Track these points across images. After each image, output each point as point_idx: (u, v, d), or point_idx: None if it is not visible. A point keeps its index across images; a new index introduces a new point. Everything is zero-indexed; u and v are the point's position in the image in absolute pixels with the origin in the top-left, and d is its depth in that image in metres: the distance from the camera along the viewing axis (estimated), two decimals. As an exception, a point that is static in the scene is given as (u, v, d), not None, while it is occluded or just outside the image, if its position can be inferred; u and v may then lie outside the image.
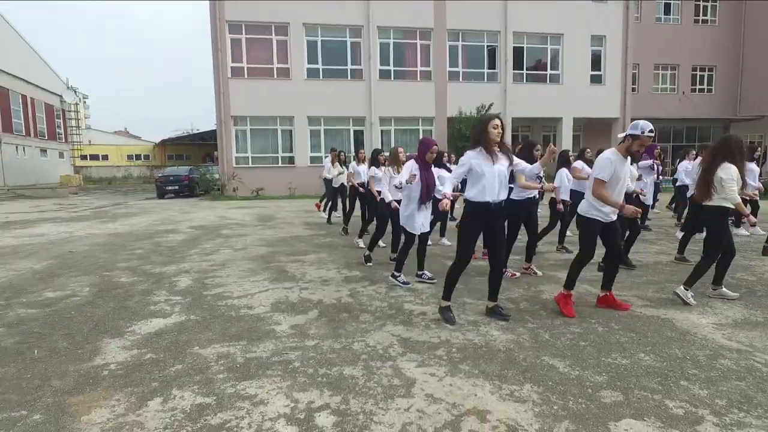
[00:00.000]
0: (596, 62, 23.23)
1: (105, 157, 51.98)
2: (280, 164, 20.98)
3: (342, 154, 10.91)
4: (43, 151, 32.33)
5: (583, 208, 4.19)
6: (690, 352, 3.35)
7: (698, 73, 28.25)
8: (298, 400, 2.73)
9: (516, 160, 4.13)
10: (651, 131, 3.88)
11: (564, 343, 3.55)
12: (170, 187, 20.64)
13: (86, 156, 48.20)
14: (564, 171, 6.79)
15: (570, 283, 4.23)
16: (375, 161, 7.37)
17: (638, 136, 3.89)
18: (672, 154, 26.66)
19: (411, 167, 5.03)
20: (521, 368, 3.13)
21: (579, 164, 6.79)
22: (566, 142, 22.96)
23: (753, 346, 3.46)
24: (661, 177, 10.46)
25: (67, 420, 2.55)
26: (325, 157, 14.34)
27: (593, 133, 25.82)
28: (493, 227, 3.92)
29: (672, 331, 3.77)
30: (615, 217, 4.12)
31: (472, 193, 3.86)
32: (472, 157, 3.85)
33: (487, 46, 22.40)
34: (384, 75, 21.46)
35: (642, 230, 8.13)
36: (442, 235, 7.95)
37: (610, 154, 4.00)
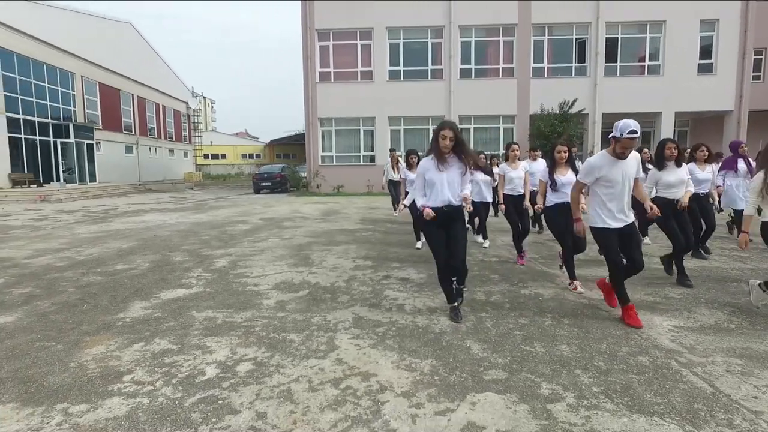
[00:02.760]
0: (705, 50, 20.95)
1: (224, 156, 58.18)
2: (361, 163, 22.12)
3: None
4: (171, 151, 37.32)
5: (590, 218, 4.05)
6: (615, 348, 3.42)
7: None
8: (237, 352, 3.41)
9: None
10: (632, 132, 3.55)
11: (499, 332, 3.80)
12: (264, 184, 22.82)
13: (208, 155, 54.53)
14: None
15: (622, 299, 4.01)
16: (407, 163, 7.45)
17: (618, 138, 3.65)
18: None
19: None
20: (437, 347, 3.48)
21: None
22: (666, 139, 21.05)
23: (692, 348, 3.41)
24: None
25: (76, 350, 3.49)
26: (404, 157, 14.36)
27: (703, 128, 23.35)
28: (447, 230, 3.99)
29: (620, 329, 3.80)
30: (623, 225, 3.88)
31: (427, 199, 3.97)
32: (424, 165, 3.99)
33: (576, 38, 21.36)
34: (464, 74, 21.54)
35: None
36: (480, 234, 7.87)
37: (595, 157, 3.94)
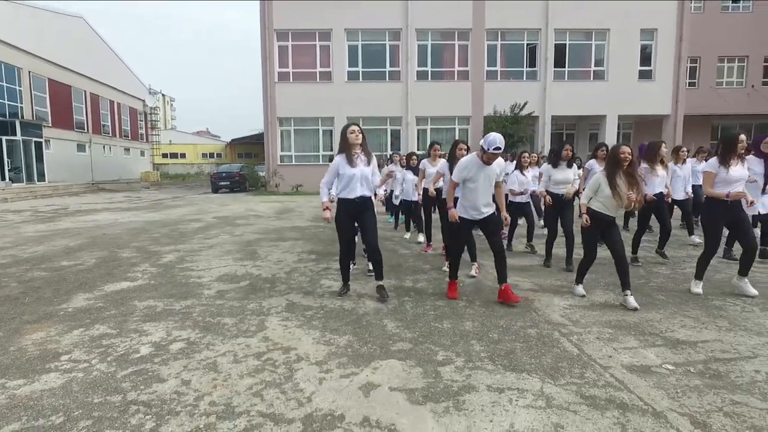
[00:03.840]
0: (646, 57, 22.31)
1: (183, 155, 56.99)
2: (320, 162, 22.35)
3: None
4: (127, 149, 36.37)
5: (458, 208, 4.69)
6: (511, 323, 3.92)
7: (772, 64, 26.00)
8: (172, 334, 3.72)
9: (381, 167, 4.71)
10: (496, 149, 4.13)
11: (416, 312, 4.24)
12: (223, 183, 22.74)
13: (167, 154, 53.34)
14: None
15: (452, 274, 4.77)
16: None
17: (485, 150, 4.24)
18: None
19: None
20: (358, 326, 3.89)
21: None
22: (611, 140, 22.28)
23: (576, 322, 3.96)
24: None
25: (16, 336, 3.71)
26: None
27: (645, 130, 24.79)
28: (359, 220, 4.63)
29: (522, 308, 4.32)
30: (480, 218, 4.50)
31: (340, 192, 4.57)
32: (338, 163, 4.55)
33: (527, 44, 22.30)
34: (421, 76, 22.13)
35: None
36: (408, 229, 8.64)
37: (466, 158, 4.53)
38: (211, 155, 58.08)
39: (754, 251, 4.71)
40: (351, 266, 5.73)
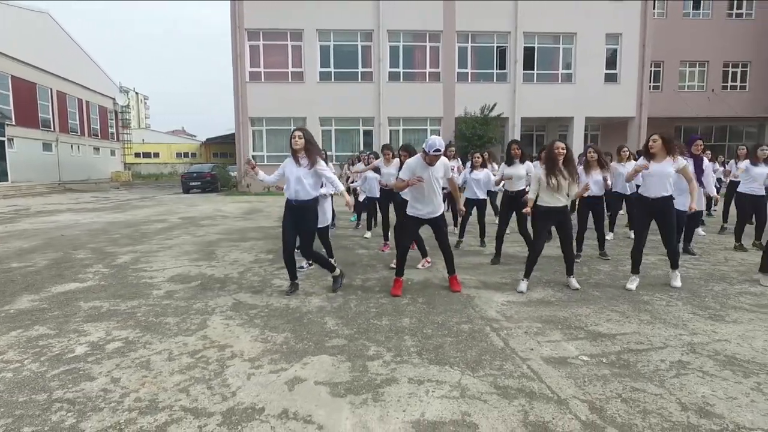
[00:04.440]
0: (611, 61, 22.94)
1: (156, 155, 55.97)
2: (292, 162, 22.31)
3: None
4: (96, 149, 35.57)
5: (408, 207, 4.99)
6: (447, 319, 4.07)
7: (730, 69, 27.04)
8: (111, 334, 3.75)
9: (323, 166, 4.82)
10: (437, 150, 4.46)
11: (359, 310, 4.36)
12: (194, 183, 22.47)
13: (140, 153, 52.33)
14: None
15: (399, 271, 4.99)
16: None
17: (427, 153, 4.53)
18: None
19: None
20: (298, 324, 3.99)
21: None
22: (578, 142, 22.84)
23: (510, 317, 4.13)
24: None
25: (-49, 338, 3.69)
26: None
27: (611, 132, 25.44)
28: (299, 219, 4.77)
29: (461, 305, 4.48)
30: (429, 217, 4.84)
31: (286, 193, 4.80)
32: (285, 164, 4.79)
33: (497, 47, 22.67)
34: (393, 77, 22.29)
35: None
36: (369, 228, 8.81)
37: (412, 159, 4.81)
38: (186, 155, 57.18)
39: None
40: (306, 266, 5.91)
